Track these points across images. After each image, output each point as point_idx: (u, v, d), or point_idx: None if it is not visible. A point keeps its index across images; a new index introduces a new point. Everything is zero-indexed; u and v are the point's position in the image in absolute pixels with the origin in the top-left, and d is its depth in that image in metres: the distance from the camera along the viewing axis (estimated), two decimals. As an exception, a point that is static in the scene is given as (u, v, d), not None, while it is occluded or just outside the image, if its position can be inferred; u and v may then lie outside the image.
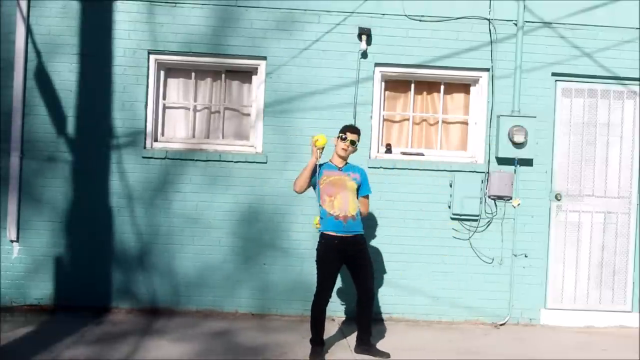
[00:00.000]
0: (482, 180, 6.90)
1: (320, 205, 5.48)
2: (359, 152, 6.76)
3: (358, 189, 5.59)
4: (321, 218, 5.48)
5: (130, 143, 6.76)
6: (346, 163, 5.60)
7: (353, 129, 5.62)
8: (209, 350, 5.62)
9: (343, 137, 5.51)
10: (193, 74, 7.04)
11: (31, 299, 6.70)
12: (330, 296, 5.46)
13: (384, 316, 6.86)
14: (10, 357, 5.23)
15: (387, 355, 5.56)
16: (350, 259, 5.48)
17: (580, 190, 7.03)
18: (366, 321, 5.63)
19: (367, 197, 5.70)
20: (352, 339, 6.07)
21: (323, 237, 5.45)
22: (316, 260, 5.48)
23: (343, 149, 5.51)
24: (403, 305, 6.87)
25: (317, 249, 5.49)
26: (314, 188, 5.55)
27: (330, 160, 5.60)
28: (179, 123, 7.09)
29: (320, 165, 5.49)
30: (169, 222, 6.76)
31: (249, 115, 7.06)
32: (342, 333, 6.28)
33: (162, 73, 6.97)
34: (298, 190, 5.53)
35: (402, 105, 7.21)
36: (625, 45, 6.95)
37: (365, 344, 5.63)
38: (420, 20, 6.86)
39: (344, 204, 5.42)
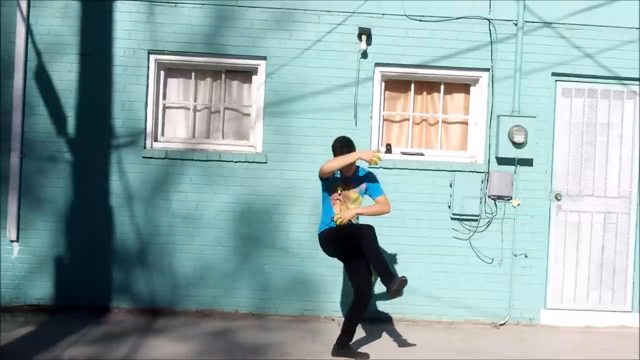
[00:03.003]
0: (482, 180, 6.90)
1: (330, 206, 5.53)
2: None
3: (366, 193, 5.59)
4: (322, 222, 5.56)
5: (130, 143, 6.76)
6: (356, 171, 5.55)
7: (343, 148, 5.41)
8: (209, 350, 5.62)
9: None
10: (193, 74, 7.04)
11: (31, 299, 6.70)
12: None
13: (384, 316, 6.86)
14: (10, 357, 5.22)
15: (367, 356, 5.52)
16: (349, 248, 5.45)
17: (580, 190, 7.03)
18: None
19: (382, 196, 5.57)
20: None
21: (322, 233, 5.50)
22: (333, 252, 5.53)
23: (347, 170, 5.44)
24: (403, 305, 6.86)
25: (323, 247, 5.55)
26: (326, 181, 5.50)
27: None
28: (179, 123, 7.09)
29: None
30: (169, 221, 6.76)
31: (249, 115, 7.06)
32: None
33: (162, 73, 6.97)
34: (322, 174, 5.38)
35: (402, 105, 7.21)
36: (626, 45, 6.95)
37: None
38: (420, 20, 6.87)
39: (345, 212, 5.46)
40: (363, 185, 5.56)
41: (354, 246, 5.34)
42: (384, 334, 6.33)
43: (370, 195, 5.60)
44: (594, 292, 7.04)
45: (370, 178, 5.61)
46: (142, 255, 6.75)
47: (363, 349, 5.78)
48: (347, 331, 5.53)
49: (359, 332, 6.28)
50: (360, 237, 5.28)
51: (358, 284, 5.47)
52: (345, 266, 5.62)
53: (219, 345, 5.77)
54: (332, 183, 5.49)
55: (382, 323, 6.73)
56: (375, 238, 5.28)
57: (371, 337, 6.19)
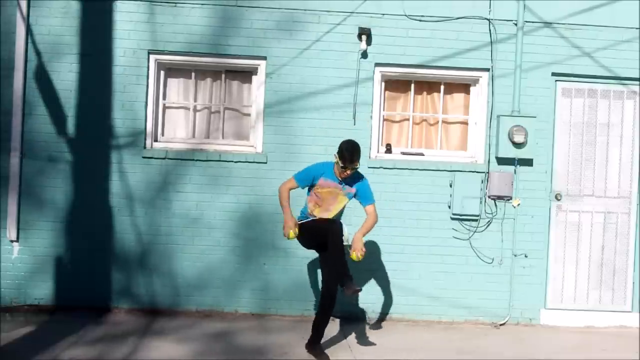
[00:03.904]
0: (482, 180, 6.90)
1: (306, 201, 5.59)
2: (359, 152, 6.78)
3: (355, 197, 5.56)
4: (302, 212, 5.65)
5: (130, 143, 6.76)
6: (352, 174, 5.47)
7: (353, 157, 5.32)
8: (209, 350, 5.62)
9: (342, 166, 5.32)
10: (193, 74, 7.04)
11: (31, 299, 6.70)
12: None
13: (384, 316, 6.86)
14: (10, 357, 5.22)
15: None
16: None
17: (580, 190, 7.03)
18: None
19: (371, 206, 5.53)
20: (352, 339, 6.08)
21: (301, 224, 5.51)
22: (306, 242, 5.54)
23: (344, 175, 5.38)
24: (403, 305, 6.87)
25: (299, 239, 5.56)
26: (307, 188, 5.58)
27: (334, 167, 5.46)
28: (179, 123, 7.09)
29: (321, 167, 5.49)
30: (169, 222, 6.76)
31: (249, 115, 7.06)
32: (342, 333, 6.27)
33: (162, 73, 6.97)
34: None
35: (402, 105, 7.21)
36: (625, 45, 6.95)
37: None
38: (420, 20, 6.87)
39: (325, 215, 5.47)
40: (353, 189, 5.51)
41: (326, 239, 5.34)
42: (383, 334, 6.32)
43: (359, 201, 5.57)
44: (594, 292, 7.04)
45: (362, 183, 5.55)
46: (142, 255, 6.75)
47: (362, 349, 5.81)
48: (315, 330, 5.53)
49: (363, 331, 6.31)
50: (327, 230, 5.28)
51: (328, 284, 5.46)
52: (320, 259, 5.61)
53: (219, 345, 5.77)
54: (313, 185, 5.49)
55: (381, 323, 6.74)
56: (341, 236, 5.33)
57: (371, 336, 6.19)
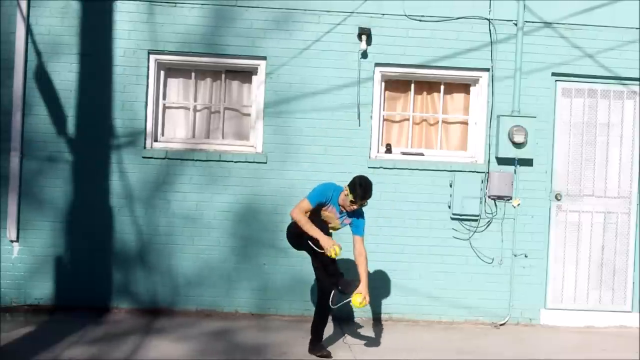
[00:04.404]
0: (482, 180, 6.90)
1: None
2: (359, 153, 6.79)
3: (349, 225, 5.47)
4: None
5: (130, 143, 6.76)
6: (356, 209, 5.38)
7: (366, 194, 5.19)
8: (209, 350, 5.62)
9: (353, 200, 5.19)
10: (193, 74, 7.04)
11: (31, 299, 6.70)
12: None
13: (384, 316, 6.86)
14: (10, 357, 5.22)
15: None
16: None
17: (580, 190, 7.03)
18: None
19: (361, 238, 5.40)
20: (352, 339, 6.08)
21: (291, 226, 5.42)
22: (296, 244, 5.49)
23: (350, 208, 5.28)
24: (403, 305, 6.87)
25: (290, 240, 5.54)
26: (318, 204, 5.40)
27: (340, 196, 5.33)
28: (179, 123, 7.09)
29: (331, 191, 5.34)
30: (169, 222, 6.76)
31: (249, 115, 7.06)
32: (342, 334, 6.27)
33: (162, 73, 6.97)
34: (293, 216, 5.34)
35: (402, 105, 7.21)
36: (626, 45, 6.95)
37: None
38: (420, 20, 6.86)
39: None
40: (349, 220, 5.42)
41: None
42: (383, 334, 6.33)
43: (351, 230, 5.45)
44: (594, 292, 7.04)
45: (360, 220, 5.44)
46: (142, 255, 6.75)
47: (362, 349, 5.81)
48: (314, 331, 5.54)
49: (363, 332, 6.32)
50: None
51: (322, 286, 5.44)
52: (312, 262, 5.47)
53: (219, 345, 5.77)
54: (323, 205, 5.36)
55: (381, 323, 6.74)
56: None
57: (371, 336, 6.20)
